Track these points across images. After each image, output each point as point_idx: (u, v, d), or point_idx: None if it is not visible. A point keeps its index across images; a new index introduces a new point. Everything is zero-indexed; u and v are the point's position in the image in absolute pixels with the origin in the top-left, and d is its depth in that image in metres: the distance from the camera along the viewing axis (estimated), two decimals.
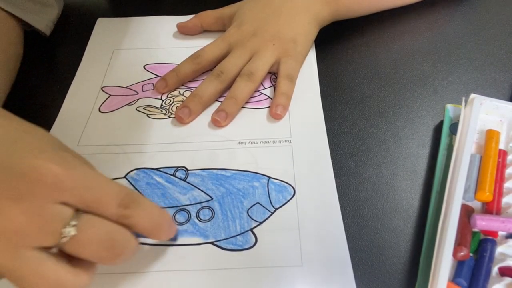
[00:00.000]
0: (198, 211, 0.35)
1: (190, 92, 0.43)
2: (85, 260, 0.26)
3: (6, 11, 0.43)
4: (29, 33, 0.48)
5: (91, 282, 0.26)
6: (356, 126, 0.41)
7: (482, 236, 0.32)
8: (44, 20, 0.48)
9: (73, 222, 0.24)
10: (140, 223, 0.27)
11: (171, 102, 0.43)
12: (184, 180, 0.37)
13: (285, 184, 0.36)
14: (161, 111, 0.42)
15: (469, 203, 0.34)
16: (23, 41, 0.46)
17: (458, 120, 0.37)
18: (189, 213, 0.35)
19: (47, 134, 0.28)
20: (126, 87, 0.45)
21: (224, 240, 0.33)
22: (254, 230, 0.34)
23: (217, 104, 0.42)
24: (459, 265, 0.30)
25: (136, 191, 0.27)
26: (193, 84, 0.45)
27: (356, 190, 0.36)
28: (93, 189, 0.25)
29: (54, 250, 0.25)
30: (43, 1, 0.47)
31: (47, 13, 0.48)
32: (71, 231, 0.24)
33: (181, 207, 0.35)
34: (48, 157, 0.25)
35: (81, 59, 0.48)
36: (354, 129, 0.41)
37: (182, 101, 0.43)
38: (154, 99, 0.43)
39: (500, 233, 0.32)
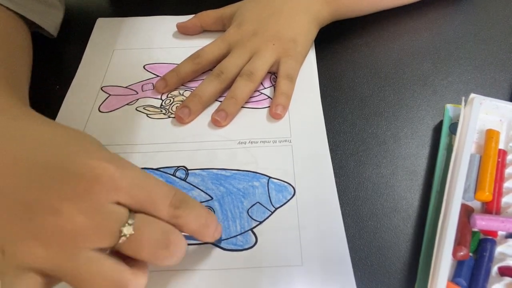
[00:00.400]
0: None
1: (190, 92, 0.43)
2: (138, 261, 0.26)
3: (14, 12, 0.43)
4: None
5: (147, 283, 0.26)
6: (356, 126, 0.41)
7: (481, 236, 0.32)
8: (51, 22, 0.48)
9: (130, 221, 0.25)
10: (189, 223, 0.27)
11: (171, 102, 0.43)
12: (184, 180, 0.37)
13: (285, 183, 0.36)
14: (161, 111, 0.42)
15: (469, 203, 0.34)
16: (31, 42, 0.47)
17: (458, 120, 0.37)
18: None
19: (91, 136, 0.28)
20: (126, 87, 0.45)
21: (224, 240, 0.33)
22: (254, 230, 0.34)
23: (217, 104, 0.42)
24: (459, 265, 0.30)
25: (183, 191, 0.28)
26: (193, 84, 0.45)
27: (356, 190, 0.36)
28: (146, 188, 0.26)
29: (108, 252, 0.25)
30: (48, 2, 0.47)
31: (53, 14, 0.48)
32: (129, 230, 0.24)
33: None
34: (101, 157, 0.25)
35: (81, 59, 0.48)
36: (354, 129, 0.41)
37: (182, 101, 0.43)
38: (154, 99, 0.43)
39: (500, 232, 0.32)
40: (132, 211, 0.26)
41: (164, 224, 0.26)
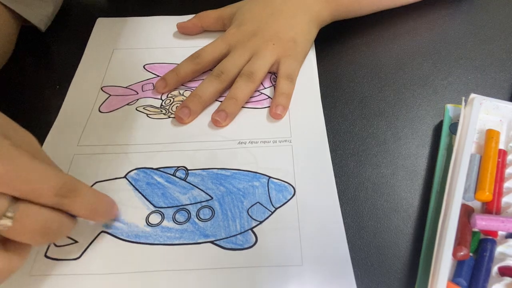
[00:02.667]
0: (198, 210, 0.35)
1: (190, 92, 0.43)
2: (19, 242, 0.27)
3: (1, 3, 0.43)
4: (29, 33, 0.48)
5: (24, 263, 0.27)
6: (356, 126, 0.41)
7: (482, 236, 0.32)
8: (38, 15, 0.48)
9: (9, 214, 0.25)
10: (76, 210, 0.28)
11: (171, 102, 0.43)
12: (184, 180, 0.37)
13: (285, 183, 0.36)
14: (161, 111, 0.42)
15: (469, 203, 0.34)
16: (17, 34, 0.46)
17: (458, 120, 0.37)
18: (189, 212, 0.35)
19: None
20: (126, 87, 0.45)
21: (224, 239, 0.33)
22: (254, 229, 0.34)
23: (217, 104, 0.42)
24: (459, 265, 0.30)
25: (75, 179, 0.28)
26: (193, 84, 0.45)
27: (356, 190, 0.36)
28: (30, 181, 0.26)
29: None
30: None
31: (42, 7, 0.48)
32: (7, 223, 0.25)
33: (181, 207, 0.35)
34: None
35: (81, 59, 0.48)
36: (354, 129, 0.41)
37: (182, 101, 0.43)
38: (154, 99, 0.43)
39: (500, 233, 0.32)
40: (18, 199, 0.26)
41: (46, 213, 0.27)
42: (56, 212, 0.27)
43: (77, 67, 0.47)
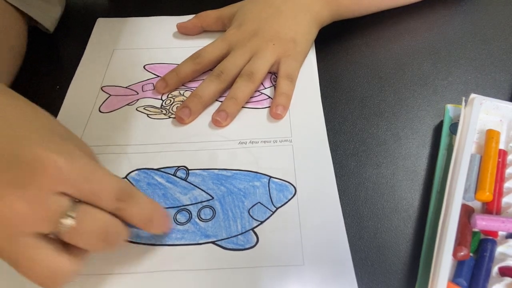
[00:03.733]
0: (199, 210, 0.35)
1: (190, 92, 0.43)
2: (77, 247, 0.26)
3: (12, 5, 0.43)
4: (29, 33, 0.48)
5: (82, 268, 0.27)
6: (356, 126, 0.41)
7: (482, 236, 0.32)
8: (48, 17, 0.48)
9: (72, 214, 0.25)
10: (133, 216, 0.28)
11: (171, 102, 0.43)
12: (185, 180, 0.37)
13: (286, 183, 0.36)
14: (162, 111, 0.42)
15: (469, 203, 0.34)
16: (27, 36, 0.47)
17: (458, 120, 0.37)
18: (190, 212, 0.35)
19: (51, 119, 0.28)
20: (126, 87, 0.45)
21: (225, 240, 0.33)
22: (255, 229, 0.34)
23: (217, 104, 0.43)
24: (459, 265, 0.30)
25: (132, 185, 0.29)
26: (193, 84, 0.45)
27: (356, 190, 0.36)
28: (93, 182, 0.26)
29: (52, 236, 0.26)
30: None
31: (51, 10, 0.49)
32: (70, 222, 0.25)
33: (182, 207, 0.35)
34: (52, 148, 0.25)
35: (81, 59, 0.48)
36: (354, 129, 0.41)
37: (182, 101, 0.43)
38: (154, 99, 0.43)
39: (500, 233, 0.32)
40: (77, 201, 0.26)
41: (106, 217, 0.27)
42: (114, 217, 0.27)
43: (77, 67, 0.47)
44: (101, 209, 0.26)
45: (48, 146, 0.25)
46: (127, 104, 0.43)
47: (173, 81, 0.44)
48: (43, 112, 0.28)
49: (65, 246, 0.26)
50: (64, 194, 0.25)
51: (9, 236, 0.24)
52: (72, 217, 0.25)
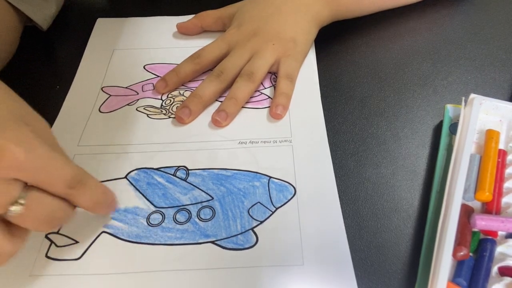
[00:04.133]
0: (199, 210, 0.35)
1: (190, 92, 0.43)
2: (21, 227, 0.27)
3: (6, 0, 0.44)
4: (29, 33, 0.48)
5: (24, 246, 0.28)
6: (356, 126, 0.41)
7: (482, 236, 0.32)
8: (42, 14, 0.48)
9: (21, 201, 0.26)
10: (81, 202, 0.29)
11: (171, 102, 0.43)
12: (185, 180, 0.37)
13: (286, 183, 0.36)
14: (161, 111, 0.42)
15: (469, 203, 0.34)
16: (20, 33, 0.47)
17: (458, 120, 0.37)
18: (189, 212, 0.35)
19: (16, 105, 0.29)
20: (126, 87, 0.45)
21: (225, 239, 0.33)
22: (255, 229, 0.34)
23: (217, 104, 0.43)
24: (459, 265, 0.30)
25: (85, 171, 0.30)
26: (193, 84, 0.45)
27: (356, 190, 0.36)
28: (47, 171, 0.27)
29: None
30: None
31: (45, 7, 0.49)
32: (18, 209, 0.26)
33: (181, 207, 0.35)
34: (10, 136, 0.25)
35: (81, 59, 0.48)
36: (354, 129, 0.41)
37: (182, 101, 0.43)
38: (154, 99, 0.43)
39: (500, 233, 0.32)
40: (29, 186, 0.27)
41: (54, 202, 0.28)
42: (63, 202, 0.28)
43: (77, 67, 0.47)
44: (52, 194, 0.27)
45: (8, 135, 0.25)
46: (127, 104, 0.43)
47: (173, 81, 0.44)
48: (8, 95, 0.29)
49: (8, 225, 0.27)
50: (17, 180, 0.26)
51: None
52: (21, 204, 0.26)
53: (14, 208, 0.26)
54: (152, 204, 0.35)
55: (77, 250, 0.33)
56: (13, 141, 0.25)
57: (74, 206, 0.30)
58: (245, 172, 0.37)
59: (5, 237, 0.27)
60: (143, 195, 0.36)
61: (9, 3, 0.44)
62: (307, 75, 0.45)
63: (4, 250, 0.27)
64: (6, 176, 0.25)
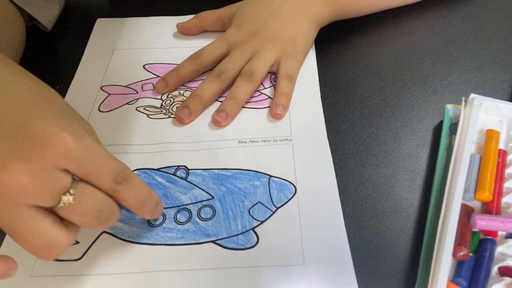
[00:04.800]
0: (199, 209, 0.35)
1: (190, 92, 0.43)
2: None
3: (11, 1, 0.44)
4: (29, 33, 0.48)
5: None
6: (356, 126, 0.41)
7: (482, 236, 0.32)
8: (47, 15, 0.48)
9: (72, 191, 0.26)
10: (127, 199, 0.29)
11: (171, 102, 0.43)
12: (185, 179, 0.37)
13: (286, 182, 0.36)
14: (161, 111, 0.42)
15: (469, 203, 0.34)
16: (26, 33, 0.47)
17: (458, 120, 0.37)
18: (190, 212, 0.35)
19: (59, 98, 0.29)
20: (125, 86, 0.45)
21: (226, 239, 0.33)
22: (255, 229, 0.34)
23: (217, 104, 0.43)
24: (459, 265, 0.30)
25: (128, 167, 0.29)
26: (193, 84, 0.45)
27: (356, 190, 0.36)
28: (95, 162, 0.27)
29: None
30: None
31: (49, 8, 0.49)
32: (69, 199, 0.26)
33: (182, 207, 0.35)
34: (62, 125, 0.26)
35: (81, 59, 0.48)
36: (354, 129, 0.41)
37: (182, 101, 0.43)
38: (154, 99, 0.43)
39: (500, 233, 0.32)
40: (77, 179, 0.27)
41: (102, 196, 0.28)
42: (109, 198, 0.28)
43: (77, 67, 0.47)
44: (98, 189, 0.27)
45: (57, 122, 0.26)
46: (127, 103, 0.43)
47: (173, 81, 0.44)
48: (51, 89, 0.29)
49: (61, 220, 0.27)
50: (66, 171, 0.26)
51: (10, 206, 0.25)
52: (71, 194, 0.26)
53: (66, 198, 0.26)
54: None
55: (77, 251, 0.33)
56: (63, 129, 0.25)
57: (120, 207, 0.29)
58: (246, 171, 0.37)
59: (61, 227, 0.27)
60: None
61: (14, 4, 0.44)
62: (307, 75, 0.45)
63: (60, 241, 0.27)
64: (57, 165, 0.25)
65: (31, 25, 0.49)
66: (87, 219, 0.27)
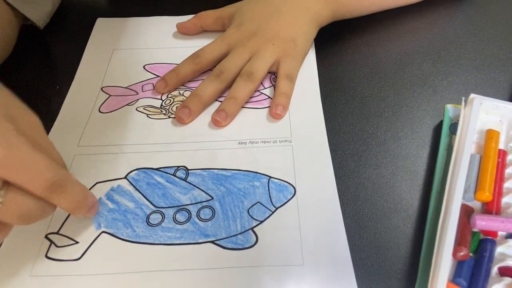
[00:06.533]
0: (199, 210, 0.35)
1: (190, 92, 0.43)
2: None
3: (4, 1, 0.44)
4: (29, 33, 0.48)
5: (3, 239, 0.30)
6: (356, 126, 0.41)
7: (482, 236, 0.32)
8: (37, 12, 0.48)
9: (0, 198, 0.27)
10: (61, 204, 0.29)
11: (171, 102, 0.43)
12: (185, 180, 0.37)
13: (286, 183, 0.36)
14: (161, 111, 0.42)
15: (469, 203, 0.34)
16: (18, 30, 0.47)
17: (458, 120, 0.37)
18: (189, 212, 0.35)
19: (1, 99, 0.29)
20: (126, 87, 0.45)
21: (225, 239, 0.33)
22: (255, 229, 0.34)
23: (217, 104, 0.43)
24: (459, 265, 0.30)
25: (68, 174, 0.30)
26: (193, 84, 0.45)
27: (356, 190, 0.36)
28: (26, 170, 0.27)
29: None
30: None
31: (41, 4, 0.49)
32: None
33: (181, 207, 0.35)
34: None
35: (80, 60, 0.48)
36: (354, 129, 0.41)
37: (182, 101, 0.43)
38: (154, 99, 0.43)
39: (500, 233, 0.32)
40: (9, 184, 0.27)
41: (32, 202, 0.28)
42: (42, 202, 0.28)
43: (77, 67, 0.47)
44: (32, 194, 0.28)
45: None
46: (127, 104, 0.43)
47: (172, 81, 0.44)
48: None
49: None
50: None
51: None
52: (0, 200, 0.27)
53: None
54: (152, 204, 0.35)
55: (77, 250, 0.33)
56: None
57: (54, 208, 0.30)
58: (245, 172, 0.37)
59: None
60: (143, 195, 0.36)
61: (5, 1, 0.44)
62: (307, 75, 0.45)
63: None
64: None
65: (29, 25, 0.49)
66: (14, 221, 0.28)
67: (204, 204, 0.35)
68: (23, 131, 0.27)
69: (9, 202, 0.27)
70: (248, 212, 0.34)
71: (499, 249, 0.31)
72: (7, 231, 0.29)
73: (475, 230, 0.32)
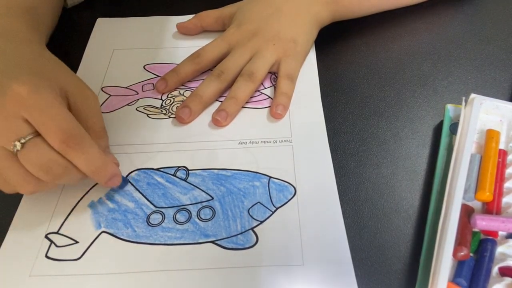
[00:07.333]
0: (199, 210, 0.35)
1: (190, 92, 0.43)
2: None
3: None
4: None
5: (39, 191, 0.32)
6: (356, 126, 0.41)
7: (482, 236, 0.32)
8: None
9: (23, 140, 0.29)
10: (78, 164, 0.31)
11: (171, 102, 0.43)
12: (185, 180, 0.37)
13: (286, 183, 0.36)
14: (161, 111, 0.42)
15: (469, 203, 0.34)
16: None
17: (458, 120, 0.37)
18: (189, 212, 0.35)
19: (32, 57, 0.34)
20: (126, 87, 0.45)
21: (225, 239, 0.33)
22: (255, 229, 0.34)
23: (217, 104, 0.42)
24: (459, 265, 0.30)
25: (86, 134, 0.31)
26: (193, 84, 0.45)
27: (356, 190, 0.36)
28: (46, 116, 0.29)
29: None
30: None
31: None
32: (17, 145, 0.29)
33: (181, 207, 0.35)
34: (24, 81, 0.30)
35: (80, 60, 0.48)
36: (354, 129, 0.41)
37: (182, 101, 0.43)
38: (154, 99, 0.43)
39: (500, 233, 0.32)
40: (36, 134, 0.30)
41: (50, 154, 0.30)
42: (62, 158, 0.30)
43: (77, 67, 0.47)
44: (51, 147, 0.30)
45: (21, 79, 0.30)
46: (127, 104, 0.43)
47: (173, 81, 0.44)
48: (24, 49, 0.34)
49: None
50: (26, 120, 0.29)
51: None
52: (22, 144, 0.29)
53: (15, 144, 0.29)
54: (152, 204, 0.35)
55: (77, 250, 0.33)
56: (22, 81, 0.30)
57: (80, 171, 0.31)
58: (245, 172, 0.37)
59: (24, 174, 0.30)
60: (143, 195, 0.36)
61: None
62: (307, 75, 0.45)
63: (18, 188, 0.31)
64: (17, 112, 0.29)
65: None
66: (35, 171, 0.30)
67: (204, 204, 0.35)
68: (77, 105, 0.31)
69: (31, 147, 0.29)
70: (248, 212, 0.34)
71: (499, 249, 0.31)
72: (43, 186, 0.31)
73: (476, 230, 0.32)
